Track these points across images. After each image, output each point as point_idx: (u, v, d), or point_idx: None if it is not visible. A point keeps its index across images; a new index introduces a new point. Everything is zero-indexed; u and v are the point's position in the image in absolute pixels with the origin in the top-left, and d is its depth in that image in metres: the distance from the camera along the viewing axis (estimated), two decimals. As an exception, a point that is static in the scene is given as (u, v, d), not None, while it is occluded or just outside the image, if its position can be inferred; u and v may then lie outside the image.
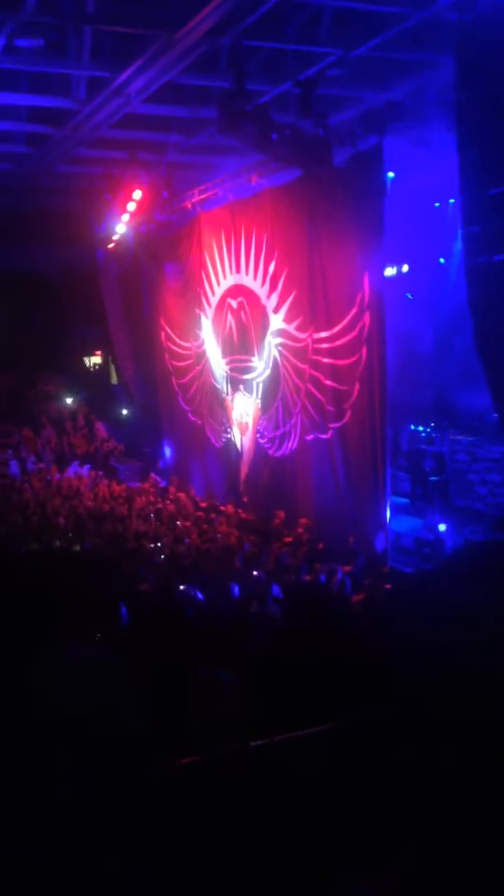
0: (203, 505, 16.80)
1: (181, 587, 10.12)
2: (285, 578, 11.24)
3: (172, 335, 19.79)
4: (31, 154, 16.23)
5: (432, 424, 16.73)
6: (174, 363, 19.87)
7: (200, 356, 18.49)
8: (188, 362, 19.16)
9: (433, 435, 16.45)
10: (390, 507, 12.64)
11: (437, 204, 14.29)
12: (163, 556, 13.30)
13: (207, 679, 4.02)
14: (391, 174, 12.23)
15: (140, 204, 16.86)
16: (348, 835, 2.08)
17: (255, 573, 11.39)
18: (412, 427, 17.00)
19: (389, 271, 14.86)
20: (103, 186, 17.17)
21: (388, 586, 9.90)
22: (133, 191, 16.43)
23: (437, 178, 12.64)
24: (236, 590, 10.50)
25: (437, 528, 12.94)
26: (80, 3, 10.09)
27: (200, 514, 16.08)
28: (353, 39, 10.92)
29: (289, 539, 13.72)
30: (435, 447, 16.01)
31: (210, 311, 17.75)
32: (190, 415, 19.32)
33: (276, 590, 10.13)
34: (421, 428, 16.77)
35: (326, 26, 10.79)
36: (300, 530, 14.05)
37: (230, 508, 16.23)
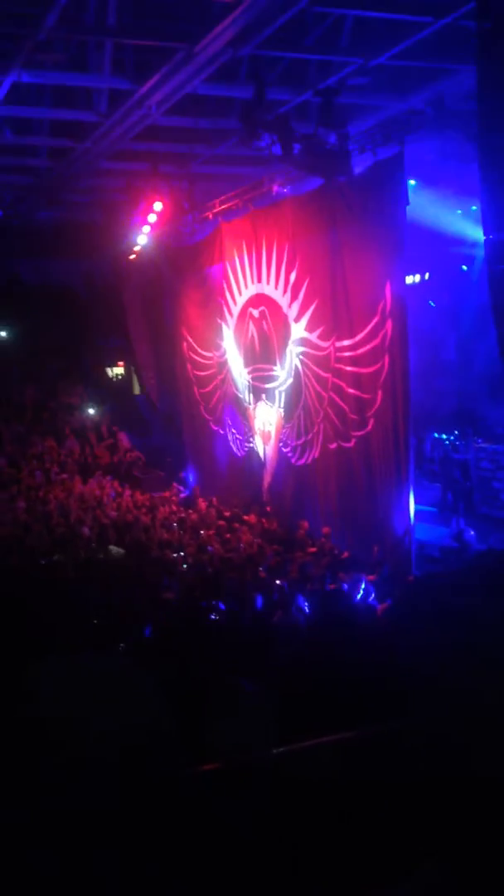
0: (226, 514, 16.80)
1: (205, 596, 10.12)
2: (309, 588, 11.19)
3: (194, 345, 19.85)
4: (53, 167, 16.38)
5: (456, 432, 16.64)
6: (196, 373, 19.93)
7: (222, 366, 18.53)
8: (210, 372, 19.20)
9: (457, 443, 16.36)
10: (415, 515, 12.56)
11: (458, 211, 14.23)
12: (186, 566, 13.31)
13: (231, 688, 4.00)
14: (412, 182, 12.20)
15: (161, 215, 16.96)
16: (371, 844, 2.05)
17: (278, 582, 11.36)
18: (436, 435, 16.91)
19: (411, 279, 14.83)
20: (125, 198, 17.29)
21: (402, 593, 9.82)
22: (154, 202, 16.52)
23: (459, 186, 12.61)
24: (259, 599, 10.47)
25: (462, 537, 12.83)
26: (101, 17, 10.17)
27: (223, 523, 16.07)
28: (373, 48, 10.92)
29: (312, 549, 13.68)
30: (459, 455, 15.92)
31: (232, 321, 17.79)
32: (212, 424, 19.35)
33: (299, 599, 10.08)
34: (444, 436, 16.68)
35: (346, 35, 10.81)
36: (323, 539, 14.00)
37: (253, 517, 16.22)
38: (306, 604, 9.91)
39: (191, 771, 2.04)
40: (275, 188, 15.31)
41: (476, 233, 13.17)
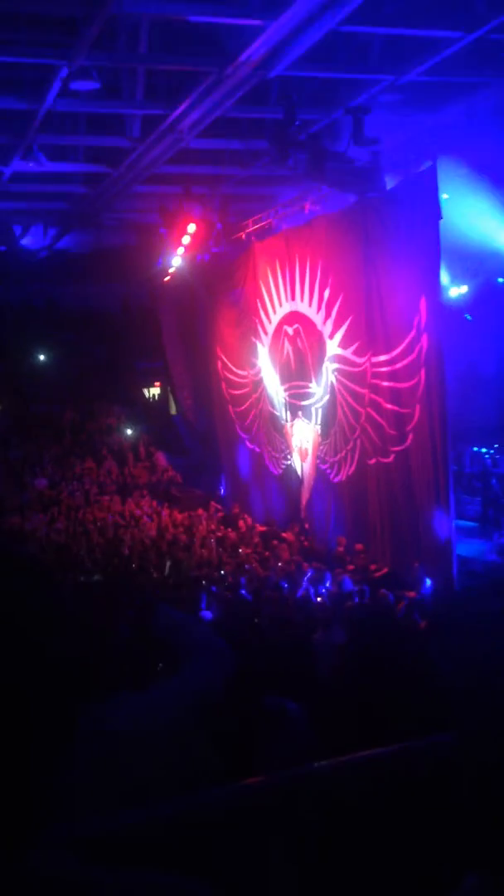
0: (264, 531, 16.77)
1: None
2: (349, 605, 11.12)
3: (229, 364, 19.95)
4: (88, 193, 16.64)
5: (496, 446, 16.46)
6: (231, 392, 20.01)
7: (257, 384, 18.58)
8: (245, 391, 19.26)
9: (497, 456, 16.18)
10: (455, 530, 12.42)
11: (493, 223, 14.15)
12: (226, 584, 13.29)
13: (273, 707, 3.97)
14: (445, 196, 12.17)
15: (195, 237, 17.12)
16: (416, 858, 2.02)
17: (318, 599, 11.30)
18: (475, 448, 16.75)
19: (458, 291, 14.76)
20: (158, 221, 17.50)
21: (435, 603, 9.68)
22: (188, 224, 16.69)
23: (494, 197, 12.55)
24: (299, 615, 10.43)
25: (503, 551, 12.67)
26: (133, 44, 10.36)
27: (260, 540, 16.05)
28: (403, 65, 10.97)
29: (351, 566, 13.59)
30: (499, 468, 15.74)
31: (267, 339, 17.85)
32: (248, 442, 19.39)
33: (339, 616, 10.02)
34: (484, 449, 16.51)
35: (376, 53, 10.86)
36: (362, 556, 13.92)
37: (291, 535, 16.18)
38: (347, 621, 9.84)
39: (233, 787, 2.04)
40: (307, 207, 15.38)
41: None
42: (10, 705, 1.01)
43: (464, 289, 15.81)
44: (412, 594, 11.34)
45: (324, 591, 12.20)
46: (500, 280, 15.77)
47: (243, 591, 12.37)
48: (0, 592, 1.07)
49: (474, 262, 15.02)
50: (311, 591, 12.15)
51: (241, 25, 9.87)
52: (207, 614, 10.72)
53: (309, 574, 13.19)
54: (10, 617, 1.05)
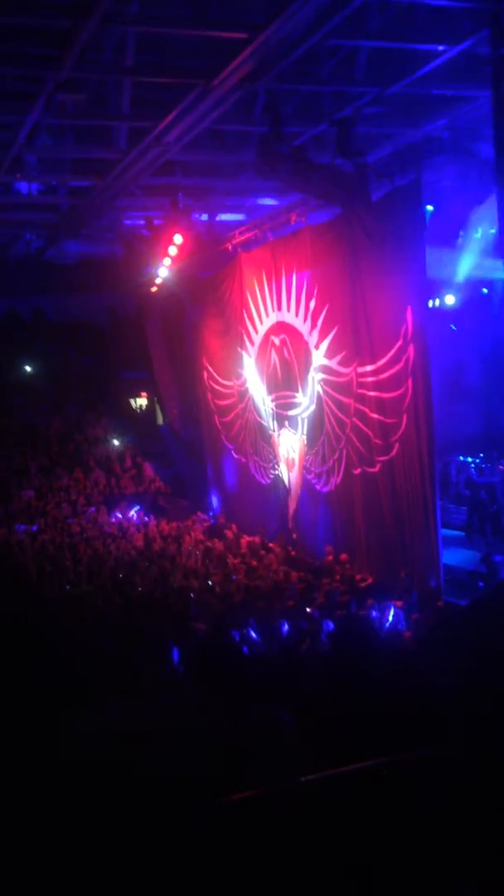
0: (251, 542, 16.77)
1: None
2: (336, 615, 11.12)
3: (215, 374, 19.98)
4: (74, 204, 16.65)
5: (481, 455, 16.54)
6: (217, 402, 20.04)
7: (243, 394, 18.61)
8: (231, 401, 19.29)
9: (483, 466, 16.25)
10: (442, 539, 12.47)
11: (477, 235, 14.28)
12: (214, 595, 13.28)
13: (265, 718, 3.98)
14: (430, 207, 12.27)
15: (181, 248, 17.15)
16: (405, 869, 2.03)
17: (307, 610, 11.30)
18: (461, 458, 16.82)
19: (432, 303, 14.86)
20: (145, 233, 17.52)
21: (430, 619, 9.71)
22: (174, 235, 16.72)
23: (477, 209, 12.67)
24: (286, 627, 10.42)
25: (490, 560, 12.71)
26: (119, 57, 10.39)
27: (248, 551, 16.04)
28: (387, 77, 11.05)
29: (339, 576, 13.61)
30: (485, 478, 15.81)
31: (253, 350, 17.90)
32: (234, 452, 19.41)
33: (328, 627, 10.03)
34: (470, 459, 16.59)
35: (361, 66, 10.95)
36: (347, 566, 13.94)
37: (279, 545, 16.18)
38: (334, 632, 9.85)
39: (222, 801, 2.04)
40: (293, 218, 15.45)
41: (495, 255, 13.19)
42: None
43: (449, 299, 15.92)
44: (399, 604, 11.36)
45: (309, 601, 12.19)
46: (485, 291, 15.88)
47: (233, 603, 12.37)
48: None
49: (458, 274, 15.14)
50: (304, 600, 12.15)
51: (226, 38, 9.93)
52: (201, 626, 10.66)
53: (296, 584, 13.18)
54: None
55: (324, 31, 9.46)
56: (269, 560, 15.19)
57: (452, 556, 13.41)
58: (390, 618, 10.95)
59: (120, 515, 19.94)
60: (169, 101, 11.57)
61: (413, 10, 9.85)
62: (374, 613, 11.26)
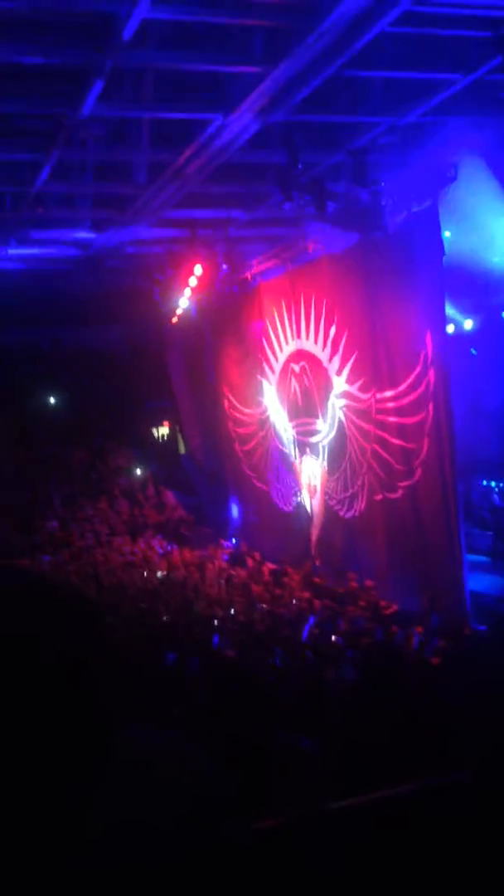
0: (274, 569, 16.72)
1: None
2: (361, 642, 11.04)
3: (235, 403, 20.07)
4: (95, 238, 16.89)
5: (504, 479, 16.43)
6: (238, 430, 20.09)
7: (263, 422, 18.66)
8: (251, 429, 19.34)
9: (506, 490, 16.13)
10: (468, 564, 12.36)
11: (496, 259, 14.29)
12: (237, 623, 13.22)
13: (288, 746, 3.96)
14: (448, 234, 12.32)
15: (201, 278, 17.33)
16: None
17: (333, 638, 11.22)
18: (484, 482, 16.72)
19: (452, 328, 14.87)
20: (165, 264, 17.72)
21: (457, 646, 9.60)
22: (194, 266, 16.90)
23: (495, 234, 12.70)
24: (310, 655, 10.35)
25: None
26: (138, 93, 10.58)
27: (270, 578, 15.99)
28: (402, 107, 11.16)
29: (363, 602, 13.52)
30: (509, 502, 15.69)
31: (274, 377, 17.97)
32: (255, 480, 19.41)
33: (351, 654, 9.94)
34: (493, 483, 16.48)
35: (377, 96, 11.07)
36: (372, 593, 13.85)
37: (302, 572, 16.11)
38: (359, 659, 9.77)
39: (249, 829, 2.03)
40: (311, 247, 15.57)
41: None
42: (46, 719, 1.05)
43: (469, 323, 15.92)
44: (420, 630, 11.27)
45: (333, 628, 12.11)
46: (504, 315, 15.86)
47: (257, 631, 12.31)
48: (48, 622, 1.11)
49: (478, 296, 15.14)
50: (328, 627, 12.07)
51: (242, 73, 10.09)
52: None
53: (321, 612, 13.11)
54: (55, 643, 1.09)
55: (339, 63, 9.59)
56: (293, 587, 15.13)
57: (478, 582, 13.28)
58: (416, 645, 10.84)
59: (143, 544, 19.97)
60: (188, 136, 11.76)
61: (426, 40, 9.97)
62: (399, 640, 11.15)
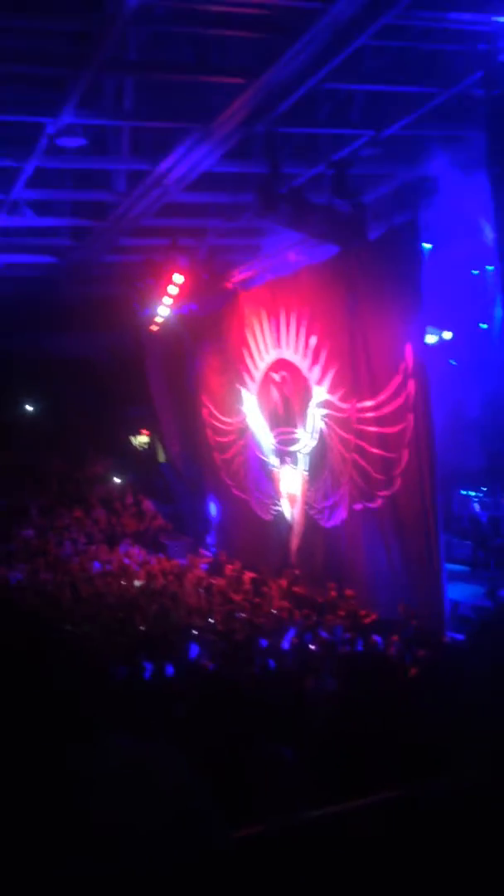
0: (254, 577, 16.70)
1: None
2: (341, 651, 11.04)
3: (214, 411, 20.07)
4: (75, 246, 16.86)
5: (484, 489, 16.53)
6: (217, 439, 20.09)
7: (243, 431, 18.66)
8: (230, 438, 19.35)
9: (486, 499, 16.23)
10: (447, 574, 12.42)
11: (475, 272, 14.43)
12: (216, 633, 13.18)
13: (268, 756, 3.94)
14: (428, 246, 12.42)
15: (181, 287, 17.34)
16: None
17: (312, 647, 11.22)
18: (463, 492, 16.81)
19: (432, 339, 14.98)
20: (145, 272, 17.71)
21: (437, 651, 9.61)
22: (174, 275, 16.91)
23: (475, 246, 12.81)
24: (290, 665, 10.33)
25: (495, 595, 12.65)
26: (118, 101, 10.60)
27: (250, 587, 15.97)
28: (383, 120, 11.26)
29: (343, 611, 13.53)
30: (488, 511, 15.79)
31: (254, 386, 17.99)
32: (234, 489, 19.40)
33: (331, 663, 9.94)
34: (472, 492, 16.58)
35: (357, 109, 11.17)
36: (352, 602, 13.86)
37: (282, 581, 16.10)
38: (338, 668, 9.76)
39: (227, 838, 2.02)
40: (292, 257, 15.63)
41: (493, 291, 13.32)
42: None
43: (447, 335, 16.04)
44: (394, 638, 11.30)
45: (313, 637, 12.10)
46: (483, 326, 16.00)
47: (236, 641, 12.28)
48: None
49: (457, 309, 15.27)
50: (308, 637, 12.06)
51: (224, 84, 10.14)
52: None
53: (300, 621, 13.11)
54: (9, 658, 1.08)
55: (320, 76, 9.66)
56: (272, 597, 15.11)
57: (457, 591, 13.33)
58: (394, 653, 10.86)
59: (121, 553, 19.86)
60: (168, 145, 11.78)
61: (408, 54, 10.08)
62: (378, 650, 11.17)
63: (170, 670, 9.93)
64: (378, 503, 13.56)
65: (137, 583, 17.05)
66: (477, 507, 15.99)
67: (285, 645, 11.42)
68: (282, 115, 10.77)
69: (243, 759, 3.90)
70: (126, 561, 18.83)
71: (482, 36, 9.11)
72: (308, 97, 10.58)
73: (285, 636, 12.09)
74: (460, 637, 11.68)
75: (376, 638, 11.46)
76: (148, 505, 22.94)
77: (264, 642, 11.66)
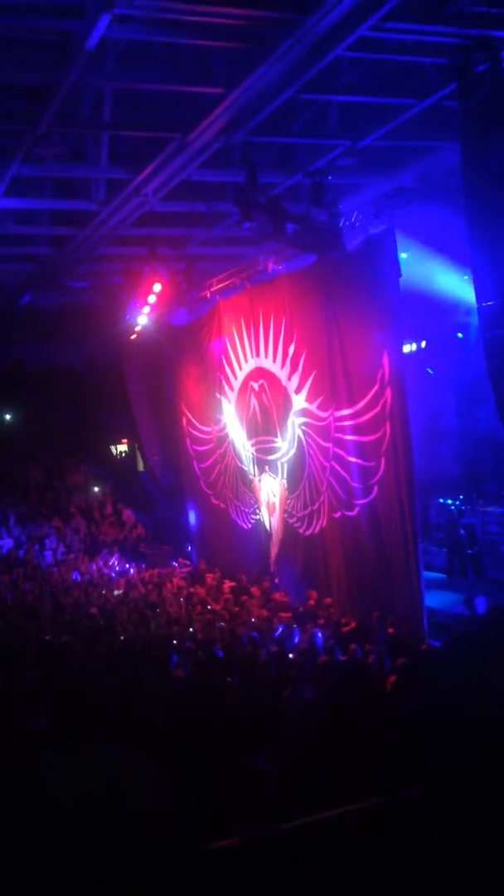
0: (233, 586, 16.68)
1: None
2: (320, 661, 11.03)
3: (193, 420, 20.06)
4: (54, 254, 16.82)
5: (461, 497, 16.63)
6: (195, 448, 20.08)
7: (222, 440, 18.66)
8: (209, 447, 19.34)
9: (462, 508, 16.33)
10: (424, 582, 12.47)
11: (451, 280, 14.54)
12: (196, 642, 13.14)
13: (246, 767, 3.94)
14: (404, 255, 12.51)
15: (160, 296, 17.34)
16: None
17: (290, 656, 11.20)
18: (440, 500, 16.90)
19: (408, 348, 15.09)
20: (124, 281, 17.70)
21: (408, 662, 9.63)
22: (153, 284, 16.91)
23: (450, 256, 12.93)
24: (270, 673, 10.31)
25: (472, 603, 12.71)
26: (97, 111, 10.61)
27: (230, 596, 15.95)
28: (359, 131, 11.36)
29: (322, 620, 13.53)
30: (465, 520, 15.87)
31: (233, 395, 18.01)
32: (213, 498, 19.38)
33: (310, 672, 9.93)
34: (450, 501, 16.66)
35: (333, 120, 11.25)
36: (331, 610, 13.88)
37: (261, 590, 16.09)
38: (318, 676, 9.76)
39: (205, 848, 2.02)
40: (270, 266, 15.69)
41: (469, 300, 13.43)
42: None
43: (422, 344, 16.17)
44: (368, 647, 11.33)
45: (292, 646, 12.10)
46: (460, 335, 16.12)
47: (216, 650, 12.24)
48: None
49: (434, 318, 15.39)
50: (287, 646, 12.05)
51: (202, 93, 10.19)
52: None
53: (279, 630, 13.11)
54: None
55: (297, 86, 9.73)
56: (252, 605, 15.10)
57: (435, 599, 13.39)
58: (373, 662, 10.87)
59: (101, 562, 19.78)
60: (147, 154, 11.81)
61: (383, 66, 10.17)
62: (357, 658, 11.18)
63: (150, 681, 9.88)
64: (356, 511, 13.60)
65: (117, 592, 16.98)
66: (454, 515, 16.08)
67: (263, 654, 11.39)
68: (259, 125, 10.82)
69: (221, 770, 3.90)
70: (105, 570, 18.75)
71: (456, 48, 9.21)
72: (285, 107, 10.65)
73: (264, 645, 12.07)
74: (437, 644, 11.73)
75: (355, 646, 11.46)
76: (128, 514, 22.88)
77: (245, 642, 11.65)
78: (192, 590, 16.76)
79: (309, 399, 14.90)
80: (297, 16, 8.21)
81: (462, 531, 15.44)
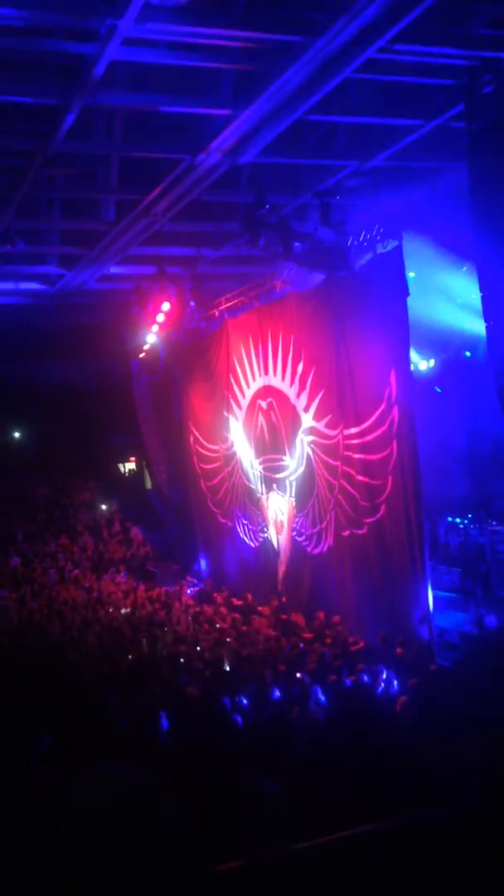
0: (240, 605, 16.61)
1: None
2: (328, 680, 10.97)
3: (200, 438, 20.07)
4: (63, 274, 16.94)
5: (470, 516, 16.55)
6: (203, 466, 20.07)
7: (229, 458, 18.65)
8: (216, 465, 19.33)
9: (471, 526, 16.25)
10: (433, 601, 12.39)
11: (459, 299, 14.56)
12: (203, 661, 13.08)
13: (253, 787, 3.91)
14: (412, 274, 12.54)
15: (169, 315, 17.42)
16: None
17: (297, 675, 11.13)
18: (449, 519, 16.82)
19: (425, 364, 15.07)
20: (133, 300, 17.81)
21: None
22: (162, 303, 17.00)
23: (458, 275, 12.96)
24: (277, 694, 10.26)
25: (482, 622, 12.62)
26: (108, 133, 10.72)
27: (238, 615, 15.88)
28: (367, 151, 11.44)
29: (330, 639, 13.46)
30: (474, 538, 15.78)
31: (241, 414, 18.02)
32: (220, 517, 19.35)
33: (318, 692, 9.88)
34: (458, 520, 16.59)
35: (341, 141, 11.34)
36: (339, 629, 13.81)
37: (269, 609, 16.03)
38: (325, 697, 9.70)
39: (210, 871, 2.01)
40: (278, 285, 15.75)
41: (478, 320, 13.44)
42: None
43: (431, 362, 16.16)
44: (378, 667, 11.25)
45: (301, 665, 12.03)
46: (468, 354, 16.12)
47: (224, 669, 12.20)
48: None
49: (442, 337, 15.39)
50: (295, 665, 11.98)
51: (211, 115, 10.28)
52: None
53: (287, 649, 13.02)
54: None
55: (305, 108, 9.81)
56: (259, 624, 15.03)
57: (445, 619, 13.29)
58: (382, 683, 10.80)
59: (108, 580, 19.73)
60: (157, 175, 11.91)
61: (390, 87, 10.26)
62: (365, 678, 11.11)
63: (159, 701, 9.83)
64: (364, 530, 13.56)
65: (124, 610, 16.93)
66: (463, 534, 16.00)
67: (271, 673, 11.33)
68: (268, 146, 10.91)
69: (229, 790, 3.87)
70: (112, 589, 18.71)
71: (463, 69, 9.29)
72: (294, 129, 10.73)
73: (271, 664, 12.00)
74: (446, 664, 11.64)
75: (363, 666, 11.38)
76: (135, 532, 22.85)
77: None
78: (199, 609, 16.70)
79: (317, 417, 14.90)
80: (306, 38, 8.30)
81: (471, 550, 15.35)
